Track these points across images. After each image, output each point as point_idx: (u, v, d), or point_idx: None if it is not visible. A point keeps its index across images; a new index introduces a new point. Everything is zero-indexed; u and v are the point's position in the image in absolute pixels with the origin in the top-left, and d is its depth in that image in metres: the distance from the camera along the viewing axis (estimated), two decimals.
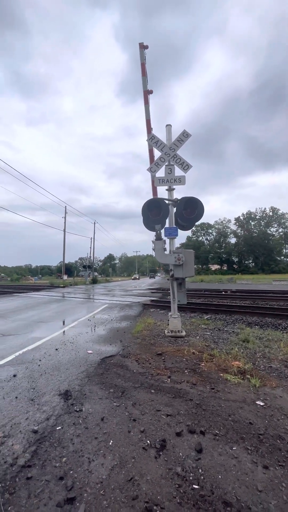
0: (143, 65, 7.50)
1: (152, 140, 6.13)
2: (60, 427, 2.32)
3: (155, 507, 1.54)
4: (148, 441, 2.13)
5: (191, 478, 1.76)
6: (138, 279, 64.79)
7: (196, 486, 1.69)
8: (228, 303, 11.37)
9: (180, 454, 1.99)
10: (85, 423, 2.39)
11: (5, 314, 8.95)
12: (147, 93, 7.35)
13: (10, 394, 2.96)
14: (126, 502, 1.58)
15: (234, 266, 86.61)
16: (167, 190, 5.95)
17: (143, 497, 1.61)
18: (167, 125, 6.20)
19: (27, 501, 1.58)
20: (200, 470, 1.82)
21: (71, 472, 1.81)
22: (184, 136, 5.90)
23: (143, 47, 7.70)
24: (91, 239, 48.50)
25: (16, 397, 2.88)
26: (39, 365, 3.88)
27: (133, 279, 63.30)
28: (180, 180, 5.76)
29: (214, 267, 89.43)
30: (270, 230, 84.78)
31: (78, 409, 2.62)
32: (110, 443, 2.11)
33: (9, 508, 1.53)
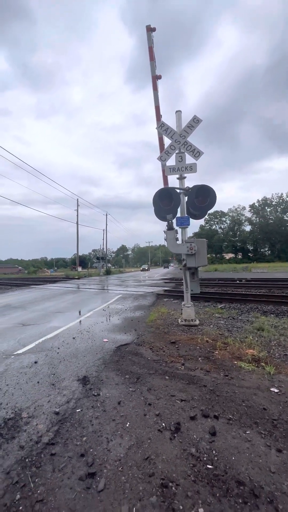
0: (150, 49, 7.25)
1: (162, 128, 6.00)
2: (79, 410, 2.45)
3: (170, 484, 1.63)
4: (163, 424, 2.22)
5: (205, 458, 1.83)
6: (148, 270, 57.40)
7: (210, 466, 1.76)
8: (243, 292, 11.24)
9: (194, 436, 2.06)
10: (103, 406, 2.51)
11: (24, 305, 9.35)
12: (155, 78, 7.13)
13: (32, 379, 3.15)
14: (143, 478, 1.68)
15: (249, 254, 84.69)
16: (178, 178, 5.86)
17: (159, 474, 1.70)
18: (176, 111, 6.04)
19: (52, 475, 1.72)
20: (214, 452, 1.89)
21: (91, 450, 1.93)
22: (195, 122, 5.73)
23: (150, 29, 7.41)
24: (103, 230, 48.90)
25: (38, 382, 3.06)
26: (58, 353, 4.07)
27: (141, 271, 55.70)
28: (192, 168, 5.65)
29: (229, 256, 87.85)
30: (287, 216, 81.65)
31: (96, 394, 2.75)
32: (127, 425, 2.22)
33: (36, 480, 1.67)
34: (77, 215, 40.90)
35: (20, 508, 1.48)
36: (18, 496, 1.55)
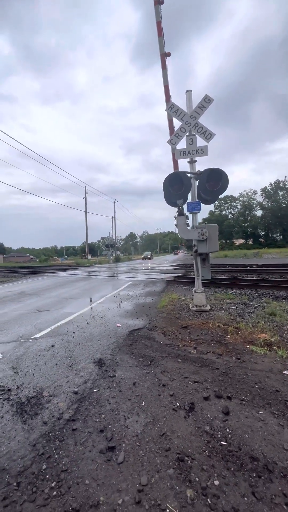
0: (159, 24, 6.85)
1: (172, 109, 5.79)
2: (97, 390, 2.57)
3: (186, 458, 1.71)
4: (178, 404, 2.30)
5: (219, 436, 1.90)
6: (151, 258, 44.77)
7: (224, 443, 1.83)
8: (254, 278, 11.13)
9: (208, 415, 2.13)
10: (119, 387, 2.62)
11: (38, 292, 9.62)
12: (164, 56, 6.78)
13: (50, 361, 3.30)
14: (160, 452, 1.77)
15: (260, 240, 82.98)
16: (188, 162, 5.71)
17: (175, 449, 1.79)
18: (187, 91, 5.79)
19: (74, 448, 1.83)
20: (227, 430, 1.96)
21: (110, 426, 2.04)
22: (206, 101, 5.49)
23: (158, 2, 6.97)
24: (112, 218, 48.85)
25: (56, 364, 3.20)
26: (73, 337, 4.22)
27: (143, 259, 44.88)
28: (203, 151, 5.48)
29: (239, 241, 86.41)
30: None
31: (111, 375, 2.86)
32: (143, 404, 2.31)
33: (60, 452, 1.79)
34: (85, 203, 40.89)
35: (47, 476, 1.60)
36: (44, 466, 1.68)
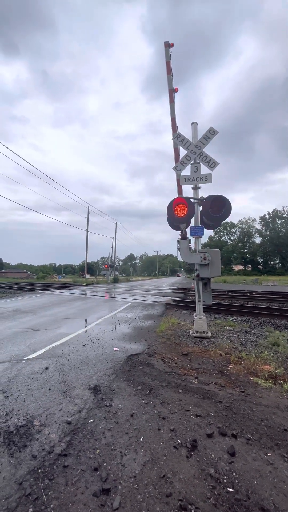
0: (168, 64, 7.47)
1: (178, 139, 6.08)
2: (91, 420, 2.39)
3: (189, 506, 1.53)
4: (179, 440, 2.13)
5: (225, 481, 1.73)
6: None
7: (231, 490, 1.66)
8: (254, 305, 10.97)
9: (212, 455, 1.96)
10: (115, 418, 2.44)
11: (34, 310, 9.40)
12: (172, 91, 7.30)
13: (43, 385, 3.11)
14: (160, 498, 1.59)
15: (259, 267, 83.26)
16: (192, 188, 5.87)
17: (177, 495, 1.61)
18: (192, 123, 6.11)
19: (65, 488, 1.65)
20: (234, 474, 1.78)
21: (105, 464, 1.86)
22: (211, 133, 5.78)
23: (168, 45, 7.66)
24: (112, 238, 49.29)
25: (49, 389, 3.01)
26: (68, 360, 4.02)
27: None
28: (207, 178, 5.66)
29: (238, 267, 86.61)
30: None
31: (108, 404, 2.68)
32: (141, 439, 2.13)
33: (49, 493, 1.61)
34: (87, 223, 41.52)
35: None
36: (31, 510, 1.50)
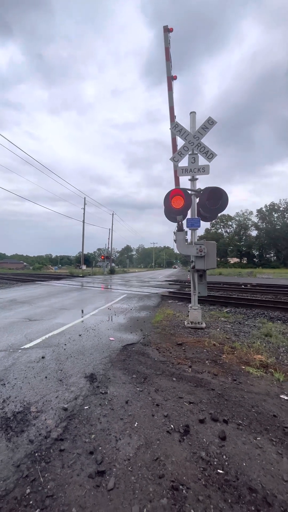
0: (167, 50, 7.25)
1: (176, 128, 5.99)
2: (87, 407, 2.45)
3: (181, 487, 1.60)
4: (172, 426, 2.20)
5: (215, 463, 1.80)
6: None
7: (221, 471, 1.73)
8: (249, 297, 11.13)
9: (204, 440, 2.04)
10: (110, 405, 2.50)
11: (30, 301, 9.41)
12: (170, 79, 7.13)
13: (40, 374, 3.16)
14: (153, 479, 1.66)
15: (254, 259, 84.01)
16: (190, 180, 5.84)
17: (169, 476, 1.68)
18: (191, 113, 6.01)
19: (61, 471, 1.71)
20: (224, 456, 1.86)
21: (100, 448, 1.92)
22: (209, 123, 5.70)
23: (167, 30, 7.41)
24: (109, 230, 49.03)
25: (46, 377, 3.06)
26: (64, 349, 4.07)
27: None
28: (204, 170, 5.62)
29: (233, 260, 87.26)
30: None
31: (103, 392, 2.74)
32: (135, 425, 2.20)
33: (45, 475, 1.66)
34: (84, 214, 41.13)
35: (31, 502, 1.48)
36: (28, 490, 1.55)
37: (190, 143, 5.76)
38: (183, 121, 6.02)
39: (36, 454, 1.83)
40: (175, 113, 6.94)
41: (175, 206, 5.48)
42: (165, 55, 7.17)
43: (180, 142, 6.19)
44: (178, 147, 6.11)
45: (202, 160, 5.72)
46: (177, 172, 5.94)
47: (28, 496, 1.51)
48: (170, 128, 6.31)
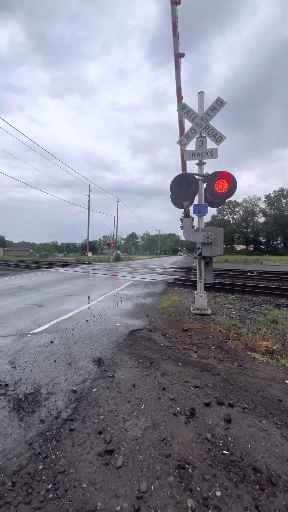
0: (174, 24, 6.82)
1: (183, 110, 5.75)
2: (95, 389, 2.52)
3: (187, 466, 1.65)
4: (178, 408, 2.25)
5: (220, 444, 1.85)
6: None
7: (226, 452, 1.78)
8: (255, 284, 11.08)
9: (210, 422, 2.08)
10: (118, 388, 2.56)
11: (37, 287, 9.57)
12: (178, 56, 6.75)
13: (49, 357, 3.25)
14: (160, 458, 1.72)
15: (261, 246, 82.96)
16: (197, 164, 5.67)
17: (175, 456, 1.74)
18: (199, 93, 5.74)
19: (72, 449, 1.78)
20: (229, 438, 1.90)
21: (108, 428, 1.99)
22: (218, 104, 5.45)
23: (174, 2, 6.94)
24: (114, 217, 48.78)
25: (55, 361, 3.15)
26: (72, 334, 4.16)
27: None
28: (212, 153, 5.44)
29: (240, 247, 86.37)
30: None
31: (111, 375, 2.81)
32: (142, 407, 2.26)
33: (57, 453, 1.74)
34: (89, 201, 40.87)
35: (44, 477, 1.55)
36: (41, 467, 1.62)
37: (198, 125, 5.54)
38: (191, 103, 5.78)
39: (48, 433, 1.91)
40: (182, 94, 6.65)
41: (182, 191, 5.36)
42: (173, 30, 6.76)
43: (188, 125, 5.97)
44: (186, 130, 5.90)
45: (210, 144, 5.52)
46: (184, 156, 5.76)
47: (40, 471, 1.59)
48: (177, 110, 6.06)
